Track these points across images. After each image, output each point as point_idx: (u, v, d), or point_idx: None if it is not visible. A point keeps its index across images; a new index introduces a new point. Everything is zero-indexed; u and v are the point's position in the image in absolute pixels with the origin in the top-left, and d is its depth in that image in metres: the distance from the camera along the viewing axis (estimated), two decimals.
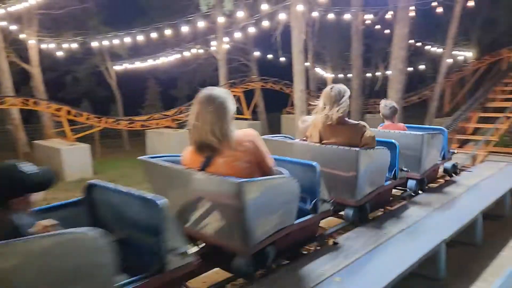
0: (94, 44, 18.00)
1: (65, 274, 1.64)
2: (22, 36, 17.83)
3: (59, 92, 23.16)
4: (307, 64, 21.72)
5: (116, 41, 17.28)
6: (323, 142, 3.44)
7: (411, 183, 4.26)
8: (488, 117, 13.03)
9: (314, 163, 2.90)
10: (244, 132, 2.53)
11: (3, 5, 15.58)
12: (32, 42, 17.75)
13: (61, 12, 17.96)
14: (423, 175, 4.30)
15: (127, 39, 16.89)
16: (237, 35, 17.40)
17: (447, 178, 5.11)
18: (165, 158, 2.84)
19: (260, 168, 2.51)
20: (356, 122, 3.42)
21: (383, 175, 3.68)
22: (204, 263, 2.55)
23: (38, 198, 2.01)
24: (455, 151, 5.81)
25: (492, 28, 22.74)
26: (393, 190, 4.19)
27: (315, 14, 14.53)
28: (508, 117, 11.56)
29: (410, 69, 21.35)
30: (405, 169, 3.96)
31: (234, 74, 23.08)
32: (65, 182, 12.94)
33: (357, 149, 3.20)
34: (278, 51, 17.62)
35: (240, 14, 14.78)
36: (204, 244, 2.78)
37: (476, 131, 12.60)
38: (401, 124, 4.56)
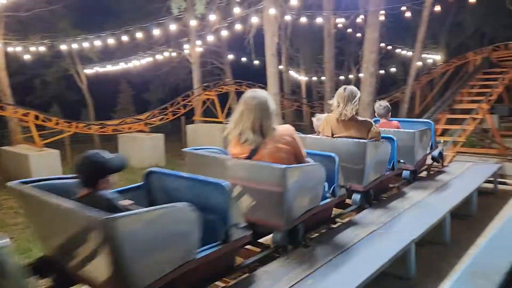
0: (63, 47, 17.57)
1: (170, 236, 2.15)
2: None
3: (27, 96, 22.49)
4: (281, 67, 21.86)
5: (86, 44, 16.92)
6: (334, 136, 3.94)
7: (405, 173, 4.83)
8: (455, 118, 13.42)
9: (333, 155, 3.40)
10: (284, 127, 3.02)
11: None
12: None
13: (28, 14, 17.46)
14: (416, 166, 4.89)
15: (97, 42, 16.56)
16: (210, 38, 17.33)
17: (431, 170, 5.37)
18: (209, 150, 3.28)
19: (296, 158, 2.99)
20: (364, 118, 3.97)
21: (384, 165, 4.22)
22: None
23: (114, 180, 2.44)
24: (441, 141, 6.29)
25: (459, 32, 23.49)
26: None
27: (287, 17, 14.62)
28: (474, 119, 11.92)
29: (382, 71, 21.80)
30: (402, 161, 4.59)
31: (208, 77, 22.96)
32: None
33: (365, 141, 3.71)
34: (252, 54, 17.67)
35: (212, 17, 14.73)
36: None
37: (444, 132, 12.95)
38: (395, 122, 5.09)
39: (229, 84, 20.95)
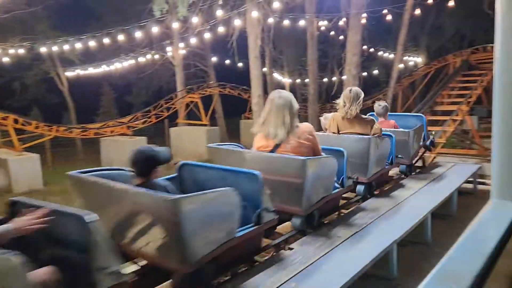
0: (43, 49, 17.27)
1: (219, 215, 2.50)
2: None
3: (6, 99, 22.03)
4: (265, 69, 21.90)
5: (66, 47, 16.65)
6: (340, 132, 4.40)
7: (402, 167, 5.40)
8: (436, 120, 13.63)
9: (342, 149, 3.85)
10: (305, 125, 3.42)
11: None
12: None
13: (7, 16, 17.12)
14: (411, 161, 5.43)
15: (78, 45, 16.32)
16: (193, 40, 17.26)
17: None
18: (231, 145, 3.74)
19: (314, 153, 3.39)
20: (367, 117, 4.47)
21: (385, 159, 4.68)
22: None
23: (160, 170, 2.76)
24: (433, 132, 7.24)
25: (438, 35, 23.94)
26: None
27: (270, 20, 14.67)
28: (454, 120, 12.12)
29: (364, 74, 22.02)
30: (400, 156, 5.05)
31: (192, 79, 22.85)
32: (13, 194, 12.27)
33: (369, 137, 4.15)
34: (235, 56, 17.66)
35: (195, 19, 14.68)
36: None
37: None
38: (392, 121, 5.54)
39: (212, 87, 20.89)
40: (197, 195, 2.35)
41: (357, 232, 3.43)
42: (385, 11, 15.48)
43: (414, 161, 5.67)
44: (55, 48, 17.07)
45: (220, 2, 14.19)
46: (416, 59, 24.23)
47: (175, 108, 18.74)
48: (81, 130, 16.86)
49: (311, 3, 14.89)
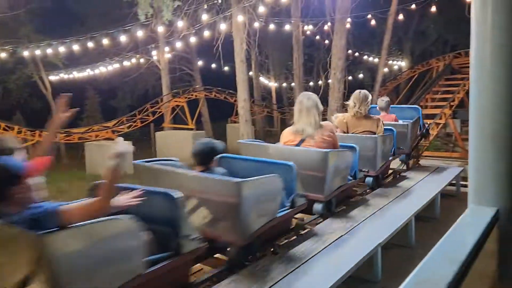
0: (26, 53, 17.02)
1: (268, 197, 3.01)
2: None
3: None
4: (251, 73, 21.93)
5: (49, 50, 16.44)
6: (350, 130, 4.91)
7: (402, 157, 5.97)
8: None
9: (355, 145, 4.34)
10: (327, 124, 4.02)
11: None
12: None
13: None
14: (410, 150, 5.97)
15: (62, 49, 16.13)
16: (179, 44, 17.20)
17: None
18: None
19: (334, 147, 3.88)
20: (373, 116, 5.01)
21: (389, 153, 5.20)
22: None
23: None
24: (428, 123, 8.03)
25: (422, 40, 24.31)
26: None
27: (256, 24, 14.70)
28: (438, 123, 12.29)
29: (350, 78, 22.21)
30: (401, 147, 5.61)
31: (178, 83, 22.76)
32: None
33: (376, 136, 4.73)
34: (221, 60, 17.64)
35: (180, 23, 14.63)
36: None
37: None
38: (393, 115, 6.00)
39: (199, 91, 20.84)
40: (252, 180, 2.80)
41: (341, 235, 3.44)
42: (369, 16, 15.66)
43: (412, 150, 6.28)
44: (38, 52, 16.85)
45: (205, 7, 14.19)
46: (400, 63, 24.55)
47: (160, 112, 18.63)
48: (65, 134, 16.63)
49: (297, 8, 14.97)
